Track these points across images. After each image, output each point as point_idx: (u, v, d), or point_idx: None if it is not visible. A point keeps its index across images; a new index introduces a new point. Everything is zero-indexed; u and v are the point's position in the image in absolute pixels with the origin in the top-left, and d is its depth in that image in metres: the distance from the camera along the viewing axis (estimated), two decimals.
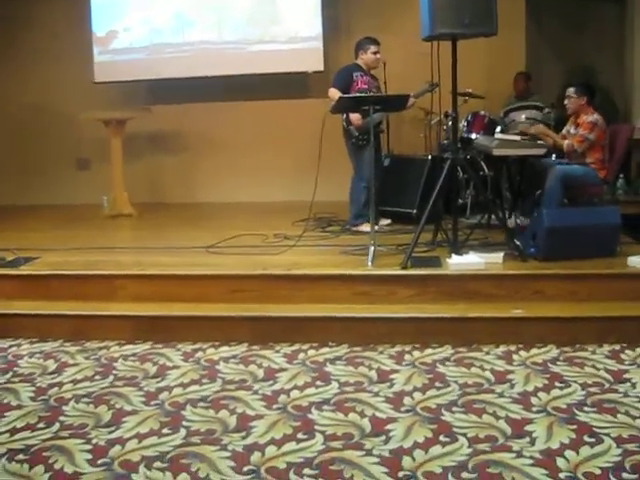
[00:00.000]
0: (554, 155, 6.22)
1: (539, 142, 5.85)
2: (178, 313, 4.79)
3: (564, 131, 6.01)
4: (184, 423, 3.47)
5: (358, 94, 6.13)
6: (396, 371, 4.09)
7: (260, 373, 4.12)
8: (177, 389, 3.90)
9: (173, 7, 8.41)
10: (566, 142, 5.76)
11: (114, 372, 4.18)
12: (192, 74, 8.34)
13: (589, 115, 5.71)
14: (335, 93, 6.07)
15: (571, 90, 5.82)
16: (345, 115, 6.20)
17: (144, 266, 5.25)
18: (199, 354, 4.46)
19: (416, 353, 4.36)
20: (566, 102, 5.88)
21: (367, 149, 6.07)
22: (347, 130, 6.28)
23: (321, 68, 8.00)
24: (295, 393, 3.82)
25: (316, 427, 3.39)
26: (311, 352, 4.43)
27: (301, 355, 4.39)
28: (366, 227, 6.03)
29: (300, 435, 3.31)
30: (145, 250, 5.81)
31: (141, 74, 8.47)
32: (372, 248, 5.09)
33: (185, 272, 5.10)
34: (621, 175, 6.98)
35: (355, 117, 6.10)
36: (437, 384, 3.88)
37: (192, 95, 8.61)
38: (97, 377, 4.10)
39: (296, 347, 4.52)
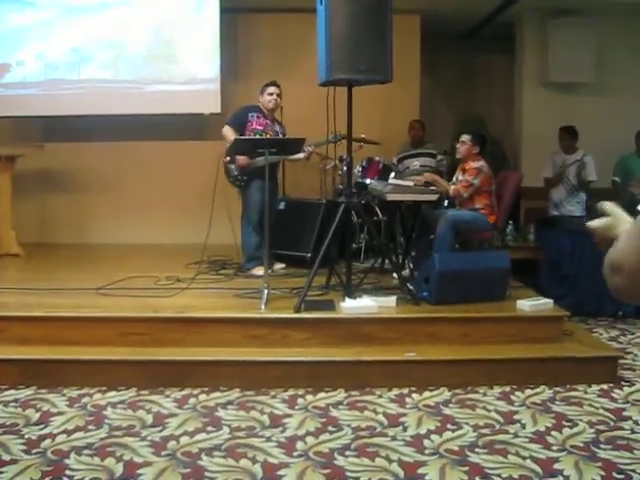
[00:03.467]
0: (446, 202, 6.36)
1: (431, 188, 5.97)
2: (64, 357, 4.60)
3: (454, 179, 6.16)
4: (67, 472, 3.32)
5: (252, 136, 6.08)
6: (289, 415, 4.04)
7: (149, 418, 4.00)
8: (61, 436, 3.74)
9: (69, 42, 8.21)
10: (452, 187, 5.91)
11: None
12: (87, 112, 8.15)
13: (475, 162, 5.88)
14: (228, 130, 6.06)
15: (466, 137, 5.98)
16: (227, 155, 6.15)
17: (29, 308, 5.04)
18: (85, 399, 4.30)
19: (309, 397, 4.33)
20: (458, 146, 6.03)
21: (250, 191, 6.07)
22: (226, 168, 6.22)
23: (218, 110, 7.95)
24: (185, 439, 3.72)
25: (206, 474, 3.31)
26: (202, 397, 4.34)
27: (192, 400, 4.29)
28: (259, 270, 5.98)
29: None
30: (31, 291, 5.55)
31: (34, 110, 8.21)
32: (265, 291, 5.05)
33: (73, 314, 4.92)
34: (510, 221, 7.20)
35: (242, 158, 6.06)
36: (330, 428, 3.85)
37: (87, 133, 8.42)
38: None
39: (187, 392, 4.41)
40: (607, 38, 8.10)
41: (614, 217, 1.47)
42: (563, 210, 7.17)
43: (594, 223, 1.50)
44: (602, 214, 1.50)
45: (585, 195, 7.12)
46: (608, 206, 1.50)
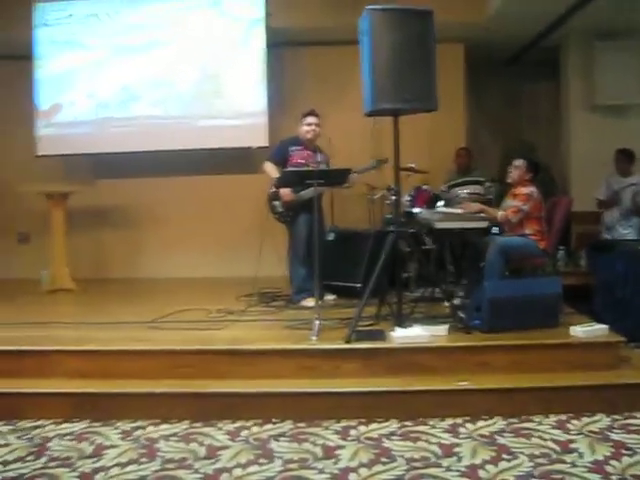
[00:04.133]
0: (496, 229, 6.30)
1: (481, 215, 5.91)
2: (117, 390, 4.63)
3: (502, 204, 6.09)
4: None
5: (300, 168, 6.05)
6: (341, 447, 4.00)
7: (201, 451, 3.99)
8: (114, 469, 3.75)
9: (119, 81, 8.41)
10: (500, 213, 5.83)
11: (48, 453, 4.00)
12: (137, 149, 8.31)
13: (525, 187, 5.81)
14: (268, 166, 6.09)
15: (520, 162, 5.90)
16: (272, 190, 6.15)
17: (83, 341, 5.10)
18: (138, 432, 4.30)
19: (362, 428, 4.28)
20: (511, 171, 5.95)
21: (296, 225, 6.07)
22: (271, 205, 6.22)
23: (266, 143, 8.02)
24: (237, 471, 3.70)
25: None
26: (255, 429, 4.32)
27: (244, 432, 4.27)
28: (309, 302, 5.98)
29: None
30: (84, 325, 5.63)
31: (85, 148, 8.41)
32: (317, 322, 5.04)
33: (125, 347, 4.96)
34: (562, 247, 7.10)
35: (285, 192, 6.04)
36: (383, 459, 3.80)
37: (137, 170, 8.59)
38: (29, 457, 3.91)
39: (239, 424, 4.40)
40: None
41: None
42: (615, 234, 7.06)
43: None
44: None
45: (639, 219, 7.01)
46: None
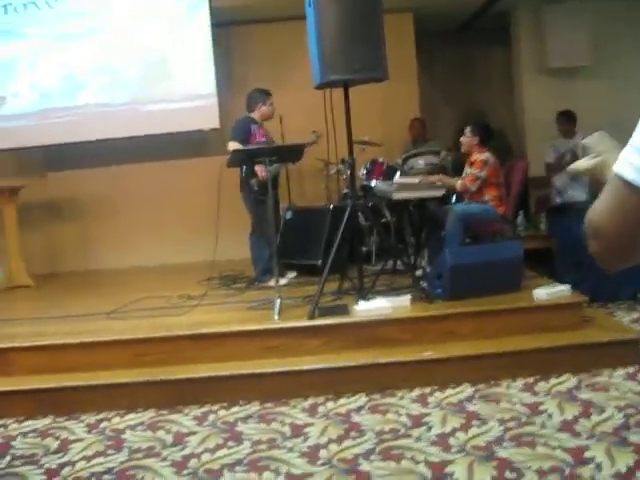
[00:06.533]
0: (454, 197, 6.29)
1: (438, 184, 5.89)
2: (80, 383, 4.55)
3: (463, 174, 6.08)
4: None
5: (256, 145, 5.99)
6: (310, 424, 3.96)
7: (169, 438, 3.94)
8: (80, 463, 3.69)
9: (62, 70, 8.20)
10: (459, 182, 5.82)
11: (12, 451, 3.91)
12: (86, 138, 8.11)
13: (480, 154, 5.80)
14: (235, 146, 6.00)
15: (467, 129, 5.92)
16: (245, 168, 6.08)
17: (41, 337, 4.99)
18: (104, 424, 4.24)
19: (329, 404, 4.25)
20: (462, 139, 5.97)
21: (267, 204, 6.00)
22: (247, 184, 6.16)
23: (217, 125, 7.92)
24: (206, 456, 3.66)
25: None
26: (221, 412, 4.28)
27: (211, 416, 4.22)
28: (274, 281, 5.91)
29: None
30: (42, 320, 5.52)
31: (33, 140, 8.19)
32: (278, 301, 4.98)
33: (85, 340, 4.86)
34: (521, 211, 7.11)
35: (260, 169, 5.98)
36: (352, 434, 3.77)
37: (88, 160, 8.40)
38: None
39: (206, 409, 4.35)
40: (603, 21, 8.05)
41: (604, 156, 1.31)
42: (566, 196, 7.09)
43: (580, 164, 1.35)
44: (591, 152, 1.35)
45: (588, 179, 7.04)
46: (597, 140, 1.34)
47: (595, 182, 1.31)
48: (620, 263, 1.15)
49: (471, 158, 5.89)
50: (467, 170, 5.95)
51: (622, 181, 1.08)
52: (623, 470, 3.11)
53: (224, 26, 8.22)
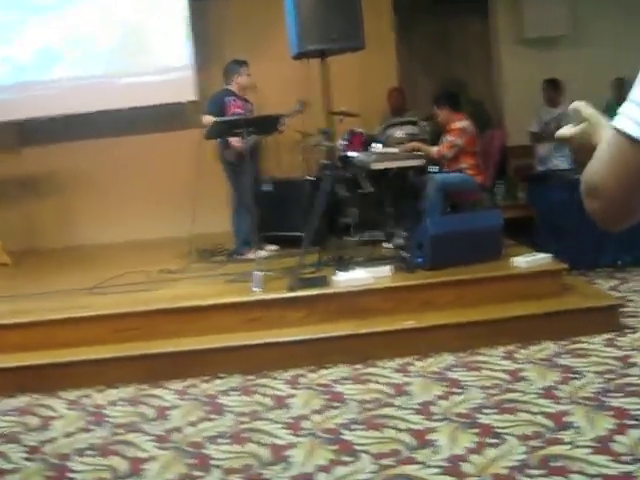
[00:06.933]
0: (435, 167, 6.27)
1: (416, 153, 5.88)
2: (60, 359, 4.52)
3: (439, 142, 6.07)
4: (70, 475, 3.26)
5: (231, 117, 5.93)
6: (292, 395, 3.97)
7: (151, 413, 3.94)
8: (62, 440, 3.67)
9: (36, 43, 8.05)
10: (435, 149, 5.81)
11: None
12: (62, 112, 7.99)
13: (457, 122, 5.79)
14: (209, 120, 5.94)
15: (434, 108, 5.93)
16: (221, 141, 6.04)
17: (20, 314, 4.94)
18: (85, 400, 4.23)
19: (311, 375, 4.26)
20: (438, 119, 5.97)
21: (243, 175, 5.96)
22: (224, 156, 6.11)
23: (195, 97, 7.84)
24: (189, 429, 3.66)
25: (212, 462, 3.25)
26: (203, 385, 4.27)
27: (193, 390, 4.22)
28: (254, 254, 5.90)
29: (196, 472, 3.16)
30: (21, 297, 5.45)
31: (8, 115, 8.06)
32: (258, 273, 4.96)
33: (65, 316, 4.82)
34: (500, 180, 7.11)
35: (235, 140, 5.93)
36: (335, 404, 3.79)
37: (65, 134, 8.28)
38: None
39: (187, 382, 4.34)
40: None
41: (591, 121, 1.29)
42: (550, 165, 7.10)
43: (566, 130, 1.33)
44: (577, 118, 1.33)
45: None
46: (582, 107, 1.32)
47: (579, 148, 1.29)
48: (622, 222, 1.15)
49: (449, 126, 5.87)
50: (444, 138, 5.94)
51: (624, 136, 1.07)
52: (603, 434, 3.13)
53: None
